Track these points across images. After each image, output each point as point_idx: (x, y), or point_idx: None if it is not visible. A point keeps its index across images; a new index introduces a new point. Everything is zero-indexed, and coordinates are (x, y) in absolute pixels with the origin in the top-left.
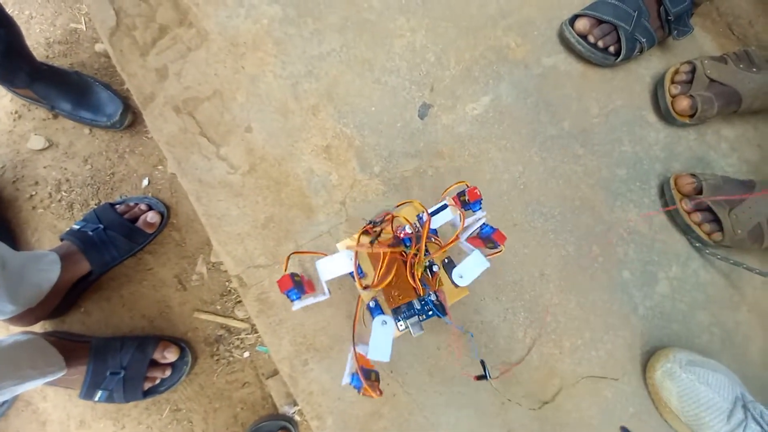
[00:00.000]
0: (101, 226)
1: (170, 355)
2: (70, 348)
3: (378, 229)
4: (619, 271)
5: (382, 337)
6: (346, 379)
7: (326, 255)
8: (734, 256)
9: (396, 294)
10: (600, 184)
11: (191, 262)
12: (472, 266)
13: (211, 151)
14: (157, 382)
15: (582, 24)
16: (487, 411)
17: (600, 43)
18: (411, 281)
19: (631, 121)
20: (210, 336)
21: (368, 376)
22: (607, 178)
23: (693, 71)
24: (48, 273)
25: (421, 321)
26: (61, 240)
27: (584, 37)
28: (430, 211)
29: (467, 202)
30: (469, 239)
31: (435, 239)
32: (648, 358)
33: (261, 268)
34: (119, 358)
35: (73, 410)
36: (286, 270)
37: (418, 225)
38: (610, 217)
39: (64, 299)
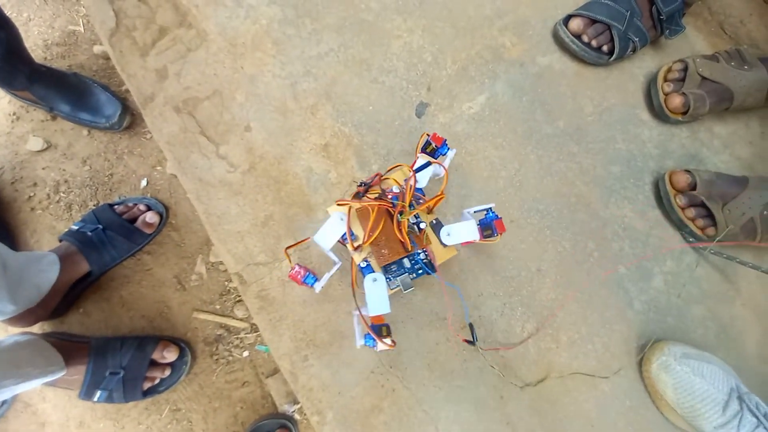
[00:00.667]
0: (100, 226)
1: (170, 355)
2: (70, 348)
3: (367, 187)
4: (614, 267)
5: (377, 294)
6: (360, 341)
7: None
8: (728, 250)
9: (385, 252)
10: (595, 181)
11: (190, 262)
12: (461, 230)
13: (211, 150)
14: (157, 381)
15: (576, 24)
16: (486, 405)
17: (594, 43)
18: (398, 234)
19: (625, 119)
20: (209, 336)
21: (379, 332)
22: (602, 176)
23: (685, 69)
24: (47, 273)
25: (412, 279)
26: (60, 241)
27: (578, 36)
28: (414, 168)
29: (435, 148)
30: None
31: (422, 198)
32: (644, 351)
33: (261, 265)
34: (119, 358)
35: (73, 411)
36: (291, 263)
37: (404, 186)
38: (605, 214)
39: (63, 300)
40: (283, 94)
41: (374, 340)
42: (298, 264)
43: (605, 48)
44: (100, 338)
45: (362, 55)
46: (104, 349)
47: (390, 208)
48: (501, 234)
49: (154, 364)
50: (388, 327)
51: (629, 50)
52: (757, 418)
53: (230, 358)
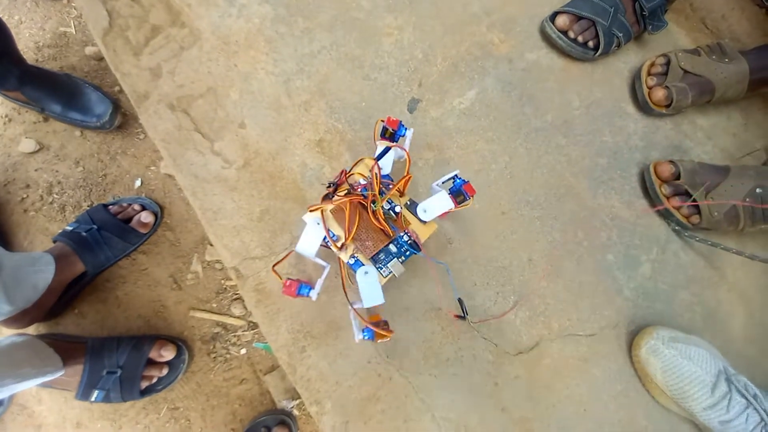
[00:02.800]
0: (95, 226)
1: (167, 354)
2: (66, 348)
3: (335, 187)
4: (603, 255)
5: (370, 285)
6: (359, 335)
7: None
8: (712, 238)
9: (369, 244)
10: (583, 172)
11: (186, 261)
12: (436, 203)
13: (206, 147)
14: (154, 380)
15: (562, 20)
16: (481, 391)
17: (579, 39)
18: (377, 223)
19: (611, 113)
20: (206, 334)
21: (377, 325)
22: (590, 167)
23: (668, 63)
24: (43, 274)
25: (401, 262)
26: (54, 242)
27: (564, 32)
28: (375, 155)
29: (393, 132)
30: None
31: (391, 183)
32: (633, 337)
33: (257, 259)
34: (116, 358)
35: (69, 412)
36: (281, 279)
37: (370, 176)
38: (593, 204)
39: (59, 301)
40: (276, 91)
41: (372, 332)
42: (288, 278)
43: (591, 43)
44: (97, 338)
45: (354, 52)
46: (101, 349)
47: (362, 201)
48: (473, 196)
49: (151, 363)
50: (386, 322)
51: (614, 46)
52: (746, 398)
53: (228, 355)
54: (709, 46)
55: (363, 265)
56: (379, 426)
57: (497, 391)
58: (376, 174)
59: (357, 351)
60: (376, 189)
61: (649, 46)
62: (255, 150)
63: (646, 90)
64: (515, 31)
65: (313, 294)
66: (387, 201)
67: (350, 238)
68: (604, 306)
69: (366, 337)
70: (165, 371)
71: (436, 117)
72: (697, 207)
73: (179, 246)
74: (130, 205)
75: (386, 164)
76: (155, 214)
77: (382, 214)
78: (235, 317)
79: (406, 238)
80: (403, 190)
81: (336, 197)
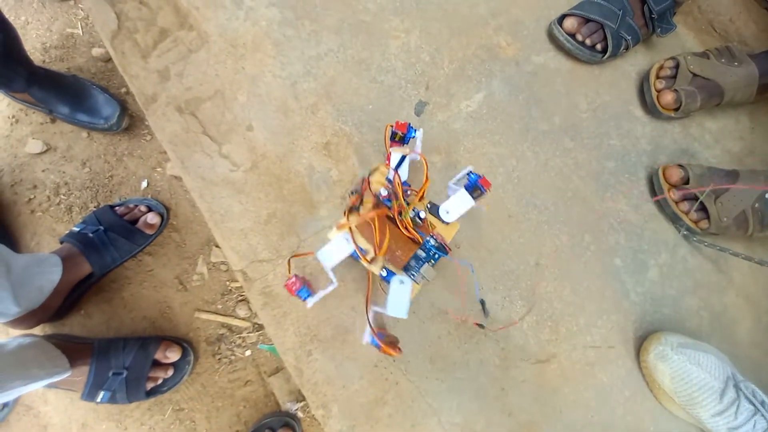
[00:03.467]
0: (101, 227)
1: (172, 355)
2: (73, 349)
3: (359, 197)
4: (611, 259)
5: (401, 296)
6: (366, 338)
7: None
8: (721, 243)
9: (399, 254)
10: (590, 176)
11: (192, 262)
12: (457, 203)
13: (214, 150)
14: (160, 382)
15: (570, 23)
16: (487, 395)
17: (587, 41)
18: (406, 233)
19: (619, 116)
20: (211, 335)
21: (388, 340)
22: (597, 171)
23: (677, 66)
24: (50, 275)
25: (432, 266)
26: (61, 243)
27: (572, 35)
28: (392, 166)
29: (402, 136)
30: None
31: (411, 189)
32: (641, 342)
33: (264, 262)
34: (122, 359)
35: (75, 413)
36: (290, 273)
37: (390, 185)
38: (601, 208)
39: (65, 302)
40: (283, 93)
41: (380, 345)
42: (295, 275)
43: (599, 46)
44: (103, 339)
45: (361, 55)
46: (107, 350)
47: (389, 213)
48: (489, 189)
49: (156, 365)
50: (396, 340)
51: (622, 48)
52: (754, 405)
53: (232, 357)
54: (718, 49)
55: (395, 275)
56: (386, 430)
57: (504, 396)
58: (398, 183)
59: (364, 355)
60: (402, 199)
61: (658, 48)
62: (262, 153)
63: (654, 93)
64: (522, 33)
65: (310, 301)
66: (413, 209)
67: (383, 251)
68: (612, 310)
69: (372, 343)
70: (170, 372)
71: (443, 120)
72: (705, 212)
73: (185, 247)
74: (136, 206)
75: (403, 171)
76: (161, 216)
77: (411, 223)
78: (240, 319)
79: (432, 241)
80: (423, 193)
81: (363, 210)
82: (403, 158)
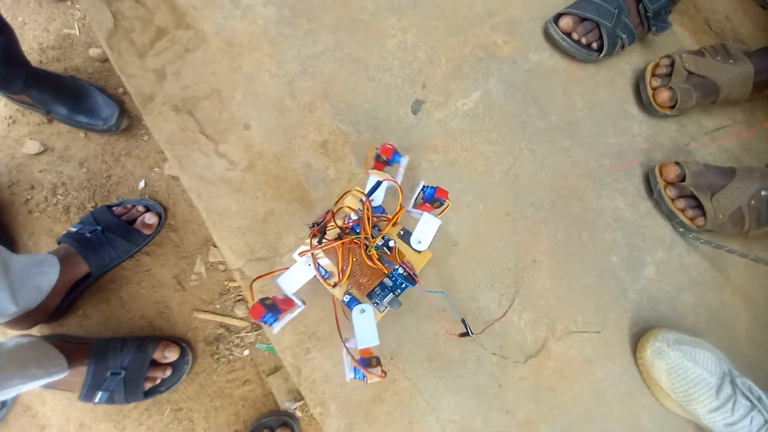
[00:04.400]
0: (99, 227)
1: (171, 355)
2: (70, 349)
3: (321, 229)
4: (608, 257)
5: (366, 325)
6: (350, 374)
7: (286, 270)
8: (717, 240)
9: (365, 281)
10: (587, 174)
11: (189, 262)
12: (426, 229)
13: (211, 149)
14: (158, 382)
15: (566, 22)
16: (485, 393)
17: (583, 40)
18: (371, 263)
19: (615, 114)
20: (210, 335)
21: (369, 363)
22: (594, 169)
23: (672, 65)
24: (48, 275)
25: (397, 296)
26: (59, 243)
27: (568, 34)
28: (366, 191)
29: (387, 160)
30: (418, 206)
31: (383, 216)
32: (638, 339)
33: (262, 260)
34: (120, 359)
35: (73, 413)
36: (252, 299)
37: (361, 213)
38: (598, 206)
39: (63, 302)
40: (280, 92)
41: (364, 374)
42: (259, 300)
43: (595, 45)
44: (101, 339)
45: (358, 53)
46: (105, 350)
47: (354, 241)
48: (448, 197)
49: (155, 365)
50: (377, 359)
51: (618, 47)
52: (750, 401)
53: (231, 357)
54: (713, 47)
55: (358, 302)
56: (384, 428)
57: (501, 393)
58: (367, 212)
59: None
60: (369, 231)
61: (654, 47)
62: (259, 151)
63: (650, 91)
64: (519, 32)
65: (276, 326)
66: (382, 237)
67: (344, 279)
68: (609, 308)
69: (357, 378)
70: (168, 372)
71: (441, 118)
72: (702, 209)
73: (183, 247)
74: (134, 206)
75: (379, 196)
76: (159, 216)
77: (376, 255)
78: (238, 318)
79: (401, 270)
80: (396, 221)
81: (326, 240)
82: (378, 184)
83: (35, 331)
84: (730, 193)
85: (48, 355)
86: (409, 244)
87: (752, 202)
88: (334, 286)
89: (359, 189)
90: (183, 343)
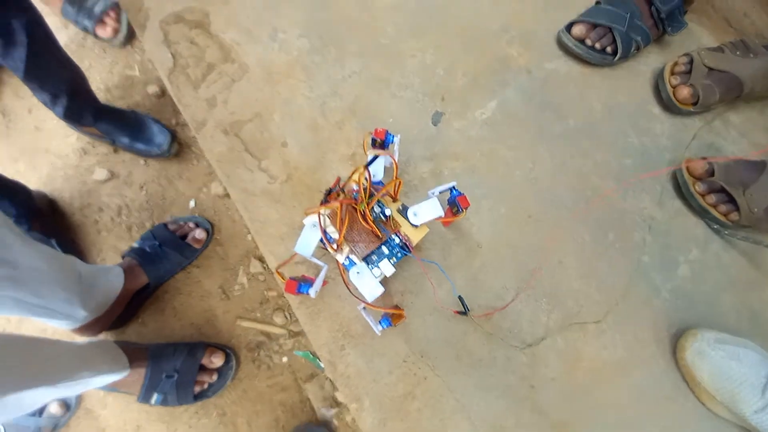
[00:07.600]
0: (157, 242)
1: (217, 360)
2: (131, 352)
3: (329, 190)
4: (637, 256)
5: (366, 281)
6: (378, 327)
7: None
8: (754, 235)
9: (362, 246)
10: (610, 174)
11: (233, 273)
12: (426, 208)
13: (254, 165)
14: (206, 386)
15: (578, 29)
16: (516, 394)
17: (597, 45)
18: (365, 224)
19: (635, 114)
20: (251, 342)
21: (390, 318)
22: (617, 169)
23: (691, 62)
24: (114, 283)
25: (393, 264)
26: (123, 257)
27: (581, 41)
28: (366, 164)
29: (381, 142)
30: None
31: (381, 188)
32: (675, 339)
33: (299, 264)
34: (173, 362)
35: (130, 416)
36: (283, 280)
37: (365, 183)
38: (623, 205)
39: (125, 310)
40: (313, 112)
41: (388, 320)
42: (290, 277)
43: (609, 49)
44: (157, 344)
45: (381, 74)
46: (160, 354)
47: (352, 203)
48: (466, 209)
49: (202, 370)
50: (396, 306)
51: (633, 49)
52: None
53: (270, 363)
54: (732, 42)
55: (355, 264)
56: (416, 424)
57: (533, 393)
58: (365, 177)
59: (392, 350)
60: (362, 192)
61: (672, 47)
62: (295, 166)
63: (670, 89)
64: (533, 43)
65: (312, 291)
66: (379, 205)
67: (342, 237)
68: (641, 308)
69: (384, 326)
70: (215, 377)
71: (460, 128)
72: (735, 204)
73: (227, 260)
74: (186, 223)
75: (377, 171)
76: (207, 231)
77: (369, 215)
78: (277, 326)
79: (397, 240)
80: (395, 195)
81: (329, 201)
82: (375, 158)
83: (100, 338)
84: (763, 186)
85: (113, 353)
86: (406, 217)
87: None
88: (336, 250)
89: (365, 166)
90: (228, 350)
